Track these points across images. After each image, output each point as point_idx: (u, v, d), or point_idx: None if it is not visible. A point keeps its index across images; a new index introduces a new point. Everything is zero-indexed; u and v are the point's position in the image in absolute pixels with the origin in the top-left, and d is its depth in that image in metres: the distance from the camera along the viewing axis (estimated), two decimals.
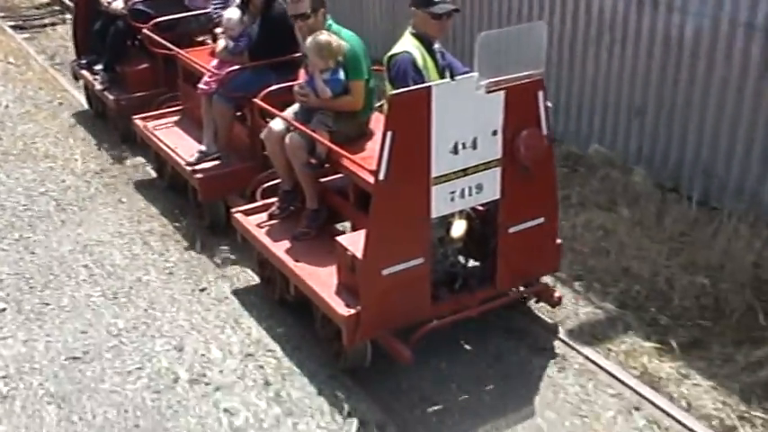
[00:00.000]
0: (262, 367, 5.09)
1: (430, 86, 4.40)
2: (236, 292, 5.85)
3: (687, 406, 4.68)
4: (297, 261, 5.24)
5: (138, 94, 8.00)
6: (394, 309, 4.76)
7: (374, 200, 4.52)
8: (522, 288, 5.32)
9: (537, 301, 5.40)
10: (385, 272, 4.64)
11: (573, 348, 5.15)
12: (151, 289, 5.90)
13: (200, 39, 8.12)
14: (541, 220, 5.08)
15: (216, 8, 7.20)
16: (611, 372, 4.93)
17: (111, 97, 8.08)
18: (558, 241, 5.29)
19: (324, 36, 5.23)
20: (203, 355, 5.21)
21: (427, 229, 4.71)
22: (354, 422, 4.62)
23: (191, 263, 6.21)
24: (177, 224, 6.73)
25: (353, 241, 4.84)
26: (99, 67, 8.44)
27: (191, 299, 5.78)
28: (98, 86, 8.30)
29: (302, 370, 5.05)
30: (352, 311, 4.68)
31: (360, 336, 4.73)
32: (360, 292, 4.67)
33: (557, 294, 5.27)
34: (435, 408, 4.75)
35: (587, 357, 5.06)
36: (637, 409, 4.68)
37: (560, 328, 5.33)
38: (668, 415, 4.61)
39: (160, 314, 5.61)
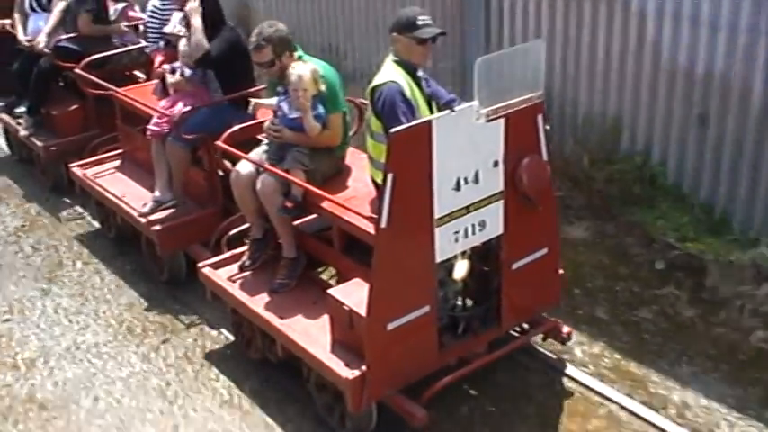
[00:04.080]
0: None
1: (430, 120, 3.98)
2: (209, 355, 5.30)
3: None
4: (281, 317, 4.74)
5: (70, 139, 7.34)
6: (401, 365, 4.32)
7: (377, 250, 4.06)
8: (529, 327, 4.94)
9: (544, 339, 5.02)
10: (390, 326, 4.20)
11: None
12: (112, 359, 5.30)
13: (129, 74, 7.59)
14: (544, 251, 4.73)
15: (153, 40, 6.64)
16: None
17: (39, 144, 7.40)
18: (561, 271, 4.94)
19: (306, 65, 4.78)
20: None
21: (432, 274, 4.29)
22: None
23: (155, 322, 5.63)
24: (134, 280, 6.12)
25: (348, 294, 4.39)
26: (21, 110, 7.75)
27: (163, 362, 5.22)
28: (23, 132, 7.59)
29: None
30: (357, 373, 4.21)
31: (367, 399, 4.26)
32: (365, 350, 4.20)
33: (565, 330, 4.91)
34: None
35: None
36: None
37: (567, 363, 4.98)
38: None
39: (122, 393, 5.03)
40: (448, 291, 4.60)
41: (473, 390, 4.84)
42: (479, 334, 4.69)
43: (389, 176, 3.92)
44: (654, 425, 4.49)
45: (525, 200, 4.46)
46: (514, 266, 4.62)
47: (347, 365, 4.27)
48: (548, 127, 4.50)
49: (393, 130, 3.90)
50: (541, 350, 5.06)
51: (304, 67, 4.74)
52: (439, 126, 3.98)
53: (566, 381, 4.86)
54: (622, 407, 4.62)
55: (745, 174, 5.52)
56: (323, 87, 4.78)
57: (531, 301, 4.84)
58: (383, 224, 4.00)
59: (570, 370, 4.92)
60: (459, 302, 4.80)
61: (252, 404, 4.83)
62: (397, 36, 4.52)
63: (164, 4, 6.50)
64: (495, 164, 4.30)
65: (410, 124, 4.03)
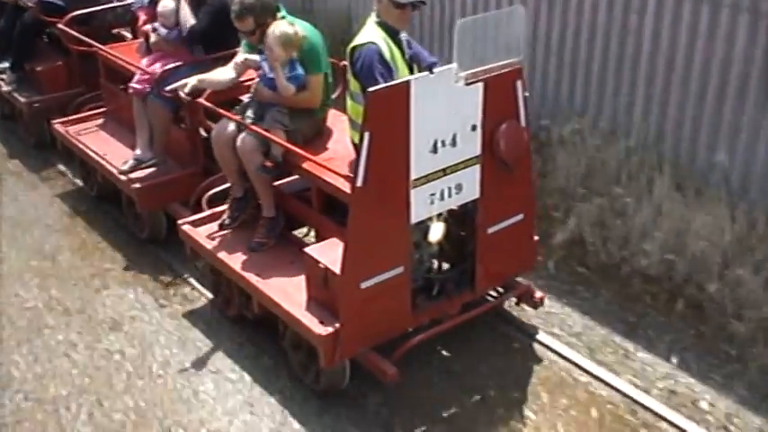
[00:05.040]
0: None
1: (409, 81, 4.01)
2: (186, 313, 5.36)
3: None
4: (258, 275, 4.78)
5: (53, 95, 7.33)
6: (374, 323, 4.38)
7: (352, 209, 4.11)
8: (502, 291, 5.01)
9: (517, 303, 5.09)
10: (364, 285, 4.26)
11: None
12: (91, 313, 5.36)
13: (117, 33, 7.58)
14: (520, 216, 4.79)
15: None
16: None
17: (22, 99, 7.38)
18: (536, 238, 5.01)
19: (286, 27, 4.77)
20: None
21: (407, 235, 4.34)
22: None
23: (133, 280, 5.67)
24: (112, 238, 6.16)
25: (324, 252, 4.44)
26: (5, 65, 7.72)
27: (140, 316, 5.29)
28: (5, 88, 7.58)
29: (274, 395, 4.64)
30: (330, 330, 4.27)
31: (339, 356, 4.33)
32: (339, 308, 4.27)
33: (538, 295, 4.98)
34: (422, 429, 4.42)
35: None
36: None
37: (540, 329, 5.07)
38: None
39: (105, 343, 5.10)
40: (423, 253, 4.65)
41: (445, 350, 4.92)
42: (453, 296, 4.75)
43: (366, 135, 3.96)
44: None
45: (502, 165, 4.51)
46: (490, 231, 4.67)
47: (321, 322, 4.33)
48: (527, 93, 4.54)
49: (371, 89, 3.93)
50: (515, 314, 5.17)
51: (276, 30, 4.75)
52: (417, 87, 4.02)
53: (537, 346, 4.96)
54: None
55: None
56: (294, 54, 4.79)
57: (506, 266, 4.90)
58: (359, 183, 4.04)
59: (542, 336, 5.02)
60: (435, 265, 4.86)
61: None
62: None
63: None
64: (474, 128, 4.34)
65: (388, 84, 4.06)
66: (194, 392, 4.66)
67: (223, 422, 4.46)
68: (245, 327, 5.11)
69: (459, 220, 4.73)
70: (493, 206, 4.61)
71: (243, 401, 4.59)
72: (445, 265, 4.91)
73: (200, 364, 4.87)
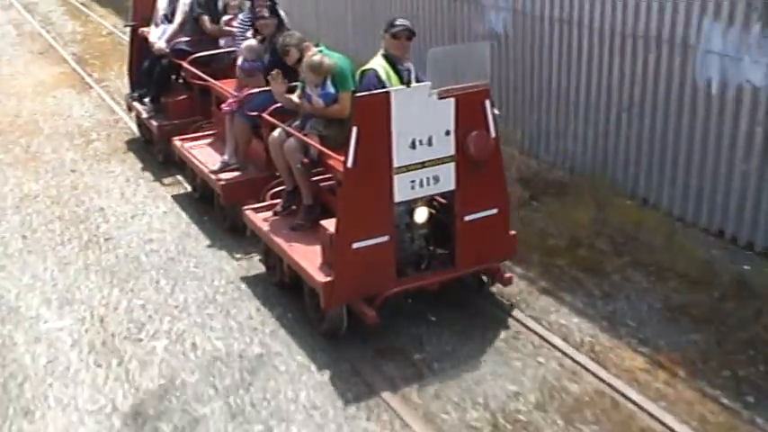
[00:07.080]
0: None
1: (389, 91, 5.44)
2: (244, 278, 6.89)
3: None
4: (290, 245, 6.26)
5: (178, 121, 9.23)
6: (363, 278, 5.71)
7: (343, 183, 5.54)
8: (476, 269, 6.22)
9: (492, 283, 6.28)
10: (355, 245, 5.62)
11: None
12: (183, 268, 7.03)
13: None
14: (494, 211, 6.01)
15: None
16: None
17: (155, 124, 9.34)
18: (512, 232, 6.19)
19: (316, 57, 6.34)
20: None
21: (391, 211, 5.68)
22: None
23: (211, 257, 7.30)
24: (202, 225, 7.85)
25: (332, 223, 5.84)
26: (147, 99, 9.74)
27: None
28: (145, 115, 9.58)
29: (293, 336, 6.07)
30: (329, 279, 5.65)
31: (335, 300, 5.69)
32: (334, 262, 5.66)
33: (507, 275, 6.15)
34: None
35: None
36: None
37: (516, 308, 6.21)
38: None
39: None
40: (414, 232, 5.98)
41: (433, 316, 6.17)
42: (436, 271, 6.02)
43: (354, 129, 5.39)
44: None
45: (474, 164, 5.79)
46: (467, 219, 5.91)
47: (325, 275, 5.73)
48: (497, 111, 5.83)
49: (358, 94, 5.39)
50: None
51: (307, 60, 6.34)
52: (396, 96, 5.43)
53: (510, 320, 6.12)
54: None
55: None
56: (319, 78, 6.29)
57: (484, 252, 6.06)
58: (349, 164, 5.46)
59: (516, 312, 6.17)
60: (431, 248, 6.14)
61: None
62: (383, 34, 6.09)
63: (246, 17, 8.24)
64: (447, 133, 5.66)
65: (372, 92, 5.51)
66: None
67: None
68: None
69: (444, 209, 6.03)
70: (468, 198, 5.87)
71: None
72: (439, 249, 6.19)
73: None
